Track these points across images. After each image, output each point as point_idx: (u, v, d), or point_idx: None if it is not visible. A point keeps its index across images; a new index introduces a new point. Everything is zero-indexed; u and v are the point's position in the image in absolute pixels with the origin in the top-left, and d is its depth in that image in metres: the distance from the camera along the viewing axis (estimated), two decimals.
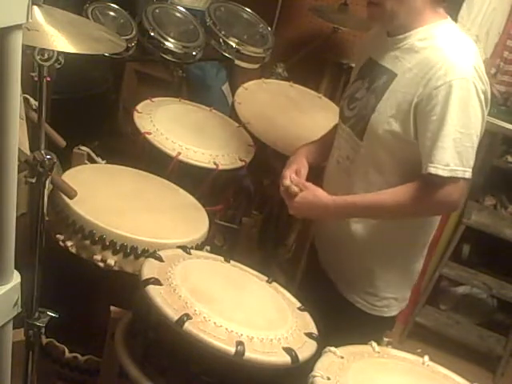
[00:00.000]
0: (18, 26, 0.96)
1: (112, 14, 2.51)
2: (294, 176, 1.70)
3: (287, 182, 1.69)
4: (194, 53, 2.61)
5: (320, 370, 1.24)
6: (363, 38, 1.87)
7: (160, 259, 1.46)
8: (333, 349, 1.32)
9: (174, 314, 1.26)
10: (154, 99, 2.24)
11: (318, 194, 1.64)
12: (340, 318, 1.67)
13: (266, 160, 2.21)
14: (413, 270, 1.77)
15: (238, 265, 1.63)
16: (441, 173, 1.45)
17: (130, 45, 2.40)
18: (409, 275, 1.77)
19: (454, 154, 1.45)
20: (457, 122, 1.45)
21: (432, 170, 1.46)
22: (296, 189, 1.66)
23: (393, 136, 1.54)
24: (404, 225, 1.66)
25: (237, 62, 2.73)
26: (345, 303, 1.75)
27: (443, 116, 1.45)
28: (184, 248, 1.58)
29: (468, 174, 1.48)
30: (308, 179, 1.74)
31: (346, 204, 1.62)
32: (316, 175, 1.81)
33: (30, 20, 0.97)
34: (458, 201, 1.54)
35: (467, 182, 1.51)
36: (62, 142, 1.80)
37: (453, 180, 1.47)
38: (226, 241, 2.15)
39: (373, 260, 1.70)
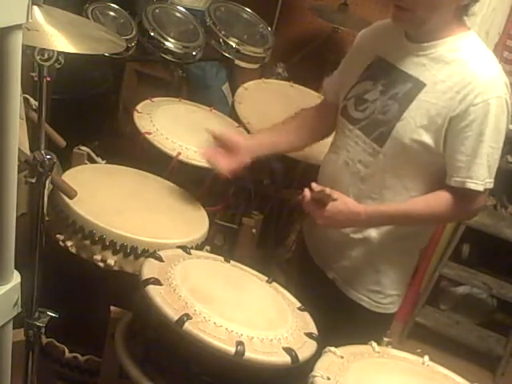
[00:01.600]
0: (18, 26, 0.96)
1: (112, 13, 2.51)
2: (315, 185, 1.61)
3: (327, 190, 1.58)
4: (194, 53, 2.61)
5: (320, 369, 1.24)
6: (362, 35, 1.81)
7: (160, 259, 1.46)
8: (333, 349, 1.32)
9: (174, 314, 1.26)
10: (154, 99, 2.24)
11: (347, 202, 1.60)
12: (340, 316, 1.67)
13: (266, 160, 2.21)
14: (411, 266, 1.79)
15: (238, 265, 1.63)
16: (480, 188, 1.52)
17: (129, 45, 2.40)
18: (408, 271, 1.79)
19: (486, 168, 1.52)
20: (491, 138, 1.49)
21: (473, 186, 1.51)
22: (336, 196, 1.56)
23: (420, 146, 1.54)
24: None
25: (237, 61, 2.73)
26: (346, 301, 1.74)
27: (481, 133, 1.48)
28: (184, 248, 1.58)
29: (492, 184, 1.55)
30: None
31: (377, 213, 1.61)
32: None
33: (30, 20, 0.96)
34: (481, 207, 1.60)
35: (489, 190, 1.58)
36: (62, 142, 1.80)
37: (484, 191, 1.54)
38: (225, 241, 2.15)
39: (377, 257, 1.70)
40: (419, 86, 1.54)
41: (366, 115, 1.64)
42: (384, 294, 1.73)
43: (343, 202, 1.59)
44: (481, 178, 1.51)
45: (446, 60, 1.53)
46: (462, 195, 1.54)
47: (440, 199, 1.56)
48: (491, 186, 1.55)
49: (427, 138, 1.53)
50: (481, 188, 1.52)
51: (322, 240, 1.82)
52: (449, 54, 1.53)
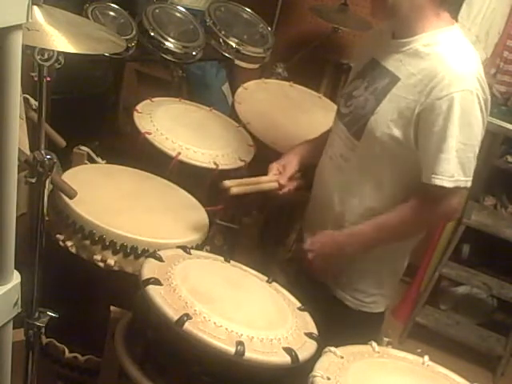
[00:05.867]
0: (18, 26, 0.96)
1: (112, 13, 2.51)
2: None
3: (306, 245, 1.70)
4: (194, 53, 2.61)
5: (320, 369, 1.24)
6: (365, 38, 1.87)
7: (160, 259, 1.46)
8: (333, 349, 1.32)
9: (174, 314, 1.26)
10: (154, 99, 2.24)
11: (323, 238, 1.67)
12: (329, 316, 1.67)
13: (266, 160, 2.21)
14: (400, 267, 1.79)
15: (238, 265, 1.63)
16: (446, 184, 1.48)
17: (130, 45, 2.40)
18: (396, 272, 1.79)
19: (458, 165, 1.48)
20: (460, 133, 1.46)
21: (438, 182, 1.48)
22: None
23: (391, 140, 1.54)
24: None
25: (237, 62, 2.73)
26: (333, 301, 1.75)
27: (446, 127, 1.46)
28: (184, 248, 1.58)
29: (469, 183, 1.51)
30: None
31: (353, 233, 1.63)
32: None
33: (30, 20, 0.96)
34: (458, 209, 1.58)
35: (467, 190, 1.54)
36: (62, 142, 1.80)
37: (455, 190, 1.50)
38: (225, 241, 2.15)
39: (362, 257, 1.70)
40: (394, 80, 1.56)
41: (350, 110, 1.66)
42: (367, 293, 1.74)
43: (319, 240, 1.68)
44: (446, 173, 1.47)
45: (421, 55, 1.53)
46: (432, 194, 1.51)
47: (410, 204, 1.55)
48: (467, 184, 1.51)
49: (397, 132, 1.53)
50: (446, 184, 1.48)
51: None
52: (424, 48, 1.53)
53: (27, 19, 0.96)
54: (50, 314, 1.42)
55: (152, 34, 2.50)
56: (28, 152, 1.55)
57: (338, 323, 1.63)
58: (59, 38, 1.26)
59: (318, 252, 1.67)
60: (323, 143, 1.85)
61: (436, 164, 1.48)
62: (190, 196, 1.92)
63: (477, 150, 1.50)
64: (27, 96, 1.78)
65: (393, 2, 1.52)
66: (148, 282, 1.34)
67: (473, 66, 1.49)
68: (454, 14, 1.60)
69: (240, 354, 1.22)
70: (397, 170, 1.58)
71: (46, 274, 1.41)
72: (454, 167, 1.48)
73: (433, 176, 1.48)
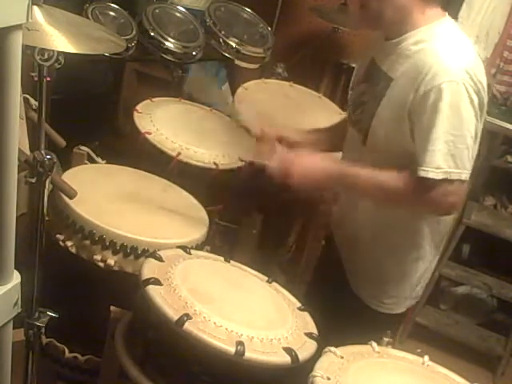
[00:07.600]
0: (18, 26, 0.96)
1: (112, 13, 2.52)
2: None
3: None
4: (194, 53, 2.61)
5: (320, 370, 1.24)
6: (367, 40, 1.87)
7: (160, 259, 1.46)
8: (333, 349, 1.32)
9: (174, 314, 1.26)
10: (154, 99, 2.24)
11: (313, 155, 1.64)
12: (350, 316, 1.67)
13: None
14: (425, 270, 1.76)
15: (238, 265, 1.63)
16: (432, 175, 1.46)
17: (130, 45, 2.41)
18: (419, 274, 1.76)
19: (447, 157, 1.45)
20: (448, 124, 1.44)
21: (422, 173, 1.46)
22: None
23: (392, 141, 1.54)
24: (416, 225, 1.66)
25: (237, 61, 2.73)
26: (355, 301, 1.74)
27: (433, 120, 1.44)
28: (184, 248, 1.58)
29: (464, 176, 1.48)
30: None
31: (347, 174, 1.59)
32: None
33: (30, 20, 0.97)
34: (456, 202, 1.54)
35: (466, 184, 1.51)
36: (62, 142, 1.79)
37: (447, 182, 1.47)
38: (225, 241, 2.15)
39: (385, 258, 1.70)
40: (389, 81, 1.55)
41: (360, 117, 1.66)
42: (388, 294, 1.73)
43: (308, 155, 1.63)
44: (432, 164, 1.44)
45: (409, 53, 1.52)
46: (421, 185, 1.48)
47: (402, 176, 1.51)
48: (461, 176, 1.46)
49: (395, 133, 1.53)
50: (432, 175, 1.45)
51: (343, 241, 1.82)
52: (412, 46, 1.52)
53: (27, 19, 0.96)
54: (50, 314, 1.42)
55: (152, 34, 2.50)
56: (28, 152, 1.55)
57: (356, 322, 1.63)
58: (59, 38, 1.26)
59: (303, 172, 1.61)
60: (334, 135, 1.86)
61: (422, 156, 1.46)
62: (190, 196, 1.92)
63: (470, 142, 1.47)
64: (27, 96, 1.78)
65: (376, 9, 1.51)
66: (148, 282, 1.34)
67: (461, 58, 1.48)
68: (454, 13, 1.59)
69: (240, 354, 1.22)
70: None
71: (46, 274, 1.41)
72: (441, 158, 1.45)
73: (419, 168, 1.46)
